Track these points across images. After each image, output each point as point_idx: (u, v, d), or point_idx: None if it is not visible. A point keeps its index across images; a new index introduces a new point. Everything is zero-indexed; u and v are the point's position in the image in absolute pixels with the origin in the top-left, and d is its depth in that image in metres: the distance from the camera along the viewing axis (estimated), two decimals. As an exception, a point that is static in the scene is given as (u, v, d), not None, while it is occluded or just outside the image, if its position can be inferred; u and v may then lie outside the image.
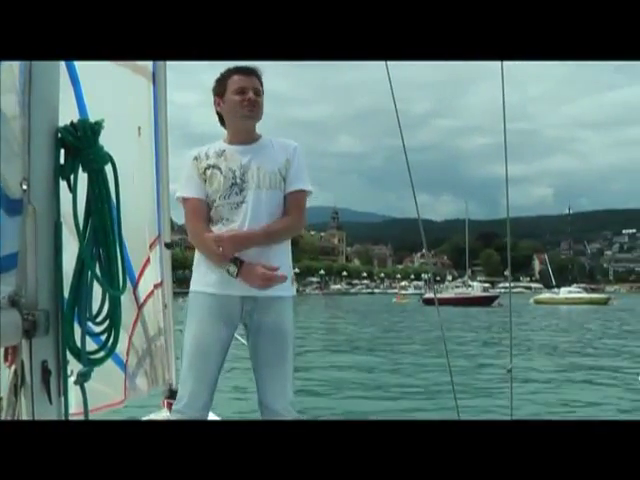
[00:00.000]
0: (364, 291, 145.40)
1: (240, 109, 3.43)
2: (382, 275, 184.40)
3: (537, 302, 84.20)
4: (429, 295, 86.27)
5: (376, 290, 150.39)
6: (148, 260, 3.73)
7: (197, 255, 3.43)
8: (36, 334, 2.61)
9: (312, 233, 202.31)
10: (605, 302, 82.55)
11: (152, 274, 3.70)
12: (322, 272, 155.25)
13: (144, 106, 3.82)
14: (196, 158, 3.46)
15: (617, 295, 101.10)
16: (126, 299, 3.46)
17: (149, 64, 3.82)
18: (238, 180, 3.38)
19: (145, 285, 3.66)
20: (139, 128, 3.72)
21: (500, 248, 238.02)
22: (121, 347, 3.53)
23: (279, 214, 3.44)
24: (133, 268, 3.61)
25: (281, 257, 3.43)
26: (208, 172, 3.41)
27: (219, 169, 3.40)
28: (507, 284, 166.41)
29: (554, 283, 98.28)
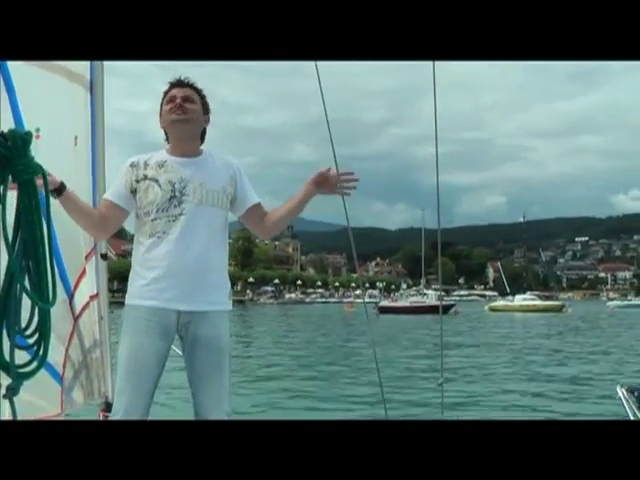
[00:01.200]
0: (319, 300, 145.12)
1: (169, 115, 3.43)
2: (337, 284, 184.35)
3: (492, 309, 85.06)
4: (384, 303, 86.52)
5: (331, 299, 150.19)
6: (84, 271, 3.68)
7: (132, 268, 3.40)
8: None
9: (266, 242, 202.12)
10: (560, 309, 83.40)
11: (88, 285, 3.64)
12: (276, 281, 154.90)
13: (81, 115, 3.78)
14: (133, 165, 3.43)
15: (571, 302, 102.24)
16: (62, 311, 3.43)
17: (86, 72, 3.79)
18: (177, 193, 3.35)
19: (81, 297, 3.62)
20: (75, 137, 3.69)
21: (455, 257, 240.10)
22: (57, 360, 3.52)
23: (219, 231, 3.47)
24: (69, 279, 3.56)
25: (219, 270, 3.47)
26: (143, 184, 3.38)
27: (157, 182, 3.37)
28: (461, 292, 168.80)
29: (508, 291, 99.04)
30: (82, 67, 3.75)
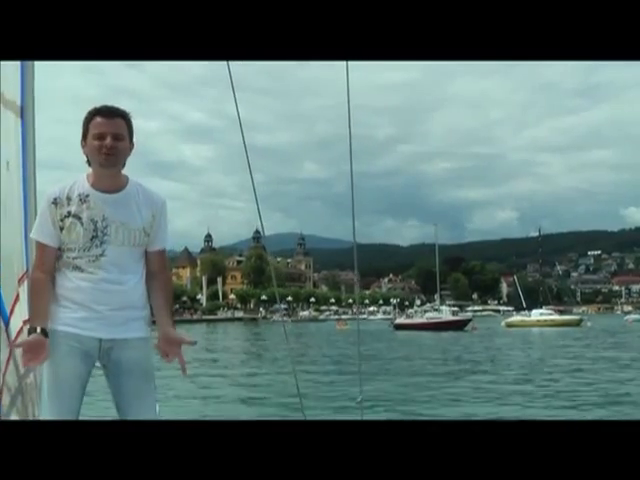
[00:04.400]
0: (332, 317, 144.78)
1: (98, 155, 3.33)
2: (350, 301, 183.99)
3: (508, 325, 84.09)
4: (400, 320, 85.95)
5: (344, 316, 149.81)
6: (17, 296, 3.71)
7: (56, 293, 3.39)
8: None
9: (279, 260, 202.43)
10: (578, 323, 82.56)
11: (21, 310, 3.68)
12: (289, 298, 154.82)
13: (12, 141, 3.79)
14: (55, 202, 3.36)
15: (586, 316, 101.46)
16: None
17: (17, 98, 3.84)
18: (99, 233, 3.35)
19: (15, 322, 3.63)
20: (7, 163, 3.71)
21: (467, 272, 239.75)
22: None
23: (138, 265, 3.49)
24: (5, 306, 3.60)
25: (138, 303, 3.48)
26: (67, 221, 3.35)
27: (79, 219, 3.34)
28: (475, 307, 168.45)
29: (524, 305, 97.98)
30: (13, 93, 3.80)
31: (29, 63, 3.87)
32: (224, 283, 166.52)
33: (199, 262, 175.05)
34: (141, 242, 3.43)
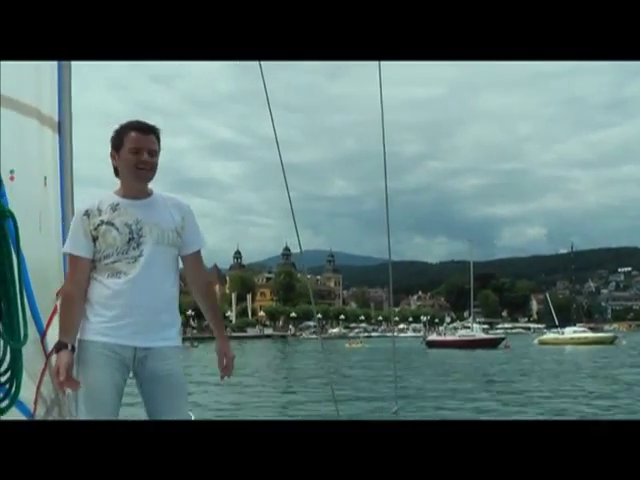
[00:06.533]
0: (362, 335, 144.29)
1: (134, 170, 3.46)
2: (380, 318, 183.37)
3: (541, 343, 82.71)
4: (432, 337, 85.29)
5: (374, 333, 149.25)
6: (55, 309, 3.73)
7: (89, 304, 3.45)
8: None
9: (308, 276, 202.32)
10: (612, 341, 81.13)
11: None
12: (319, 316, 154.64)
13: (49, 156, 3.87)
14: (87, 214, 3.48)
15: (618, 333, 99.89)
16: (34, 349, 3.53)
17: (54, 114, 3.90)
18: (135, 235, 3.45)
19: (53, 334, 3.63)
20: (45, 178, 3.78)
21: (497, 289, 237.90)
22: (28, 397, 3.57)
23: (172, 270, 3.57)
24: (41, 318, 3.65)
25: (173, 309, 3.57)
26: (101, 228, 3.44)
27: (113, 225, 3.44)
28: (505, 325, 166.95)
29: (557, 323, 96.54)
30: (50, 110, 3.87)
31: (66, 78, 3.96)
32: (253, 300, 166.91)
33: (228, 279, 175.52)
34: (175, 242, 3.53)
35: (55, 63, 3.89)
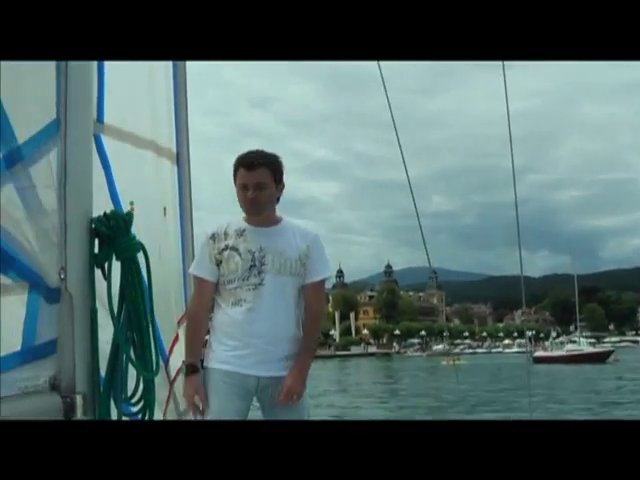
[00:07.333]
0: (467, 351, 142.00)
1: (243, 205, 3.52)
2: (484, 334, 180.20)
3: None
4: (540, 353, 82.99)
5: (479, 350, 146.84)
6: (177, 337, 3.80)
7: (213, 331, 3.55)
8: (75, 415, 2.86)
9: (410, 294, 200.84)
10: None
11: (180, 350, 3.75)
12: (423, 333, 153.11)
13: (168, 187, 3.94)
14: (213, 238, 3.54)
15: None
16: (159, 377, 3.50)
17: (172, 145, 3.96)
18: (257, 262, 3.46)
19: (175, 361, 3.73)
20: (164, 208, 3.83)
21: (603, 302, 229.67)
22: None
23: (294, 298, 3.55)
24: (164, 346, 3.68)
25: (294, 337, 3.56)
26: (225, 253, 3.49)
27: (237, 250, 3.48)
28: (612, 338, 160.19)
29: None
30: (167, 141, 3.92)
31: (182, 111, 4.03)
32: (356, 318, 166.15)
33: (331, 298, 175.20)
34: (298, 271, 3.51)
35: (172, 95, 3.95)
